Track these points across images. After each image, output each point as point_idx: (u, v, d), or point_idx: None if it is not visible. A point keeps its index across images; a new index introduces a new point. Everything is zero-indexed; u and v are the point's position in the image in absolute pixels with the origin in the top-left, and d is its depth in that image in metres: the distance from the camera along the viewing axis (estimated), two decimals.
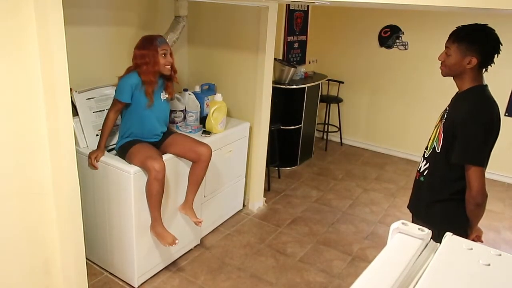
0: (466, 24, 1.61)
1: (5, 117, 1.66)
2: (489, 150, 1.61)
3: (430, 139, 1.77)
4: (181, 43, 3.26)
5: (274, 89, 3.34)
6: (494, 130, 1.59)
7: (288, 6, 4.34)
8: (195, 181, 2.51)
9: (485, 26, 1.57)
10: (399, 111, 4.85)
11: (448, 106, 1.73)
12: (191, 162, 2.49)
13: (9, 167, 1.72)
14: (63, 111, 1.75)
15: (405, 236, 0.82)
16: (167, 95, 2.46)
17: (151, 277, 2.54)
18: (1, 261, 1.81)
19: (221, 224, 3.18)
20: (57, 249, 1.98)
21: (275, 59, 3.54)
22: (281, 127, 3.98)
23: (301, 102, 4.26)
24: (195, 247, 2.87)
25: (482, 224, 3.69)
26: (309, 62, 4.99)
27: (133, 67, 2.32)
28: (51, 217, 1.92)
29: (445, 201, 1.71)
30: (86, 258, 2.09)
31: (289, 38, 4.53)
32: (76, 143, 2.31)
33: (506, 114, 4.23)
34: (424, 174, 1.76)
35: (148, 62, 2.24)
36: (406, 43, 4.61)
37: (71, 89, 1.95)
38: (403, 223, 0.84)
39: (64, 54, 1.68)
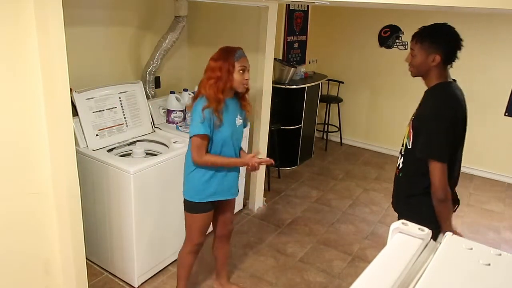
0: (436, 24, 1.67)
1: (5, 117, 1.66)
2: (453, 146, 1.62)
3: (404, 136, 1.82)
4: (181, 43, 3.26)
5: (274, 89, 3.34)
6: (458, 126, 1.61)
7: (288, 6, 4.34)
8: (225, 258, 2.42)
9: (444, 24, 1.62)
10: (399, 111, 4.85)
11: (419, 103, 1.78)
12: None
13: (9, 167, 1.72)
14: (63, 111, 1.75)
15: (405, 236, 0.82)
16: (241, 120, 2.10)
17: (151, 277, 2.54)
18: (1, 261, 1.81)
19: None
20: (57, 249, 1.98)
21: (275, 59, 3.54)
22: (281, 127, 3.98)
23: (301, 102, 4.27)
24: None
25: (482, 223, 3.67)
26: (309, 62, 5.00)
27: (205, 81, 1.95)
28: (51, 217, 1.92)
29: (419, 195, 1.72)
30: (86, 258, 2.09)
31: (289, 38, 4.53)
32: (76, 143, 2.31)
33: (506, 114, 4.23)
34: (402, 170, 1.80)
35: (221, 77, 1.92)
36: (406, 43, 4.61)
37: (71, 89, 1.95)
38: (403, 223, 0.84)
39: (64, 54, 1.68)
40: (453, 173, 1.70)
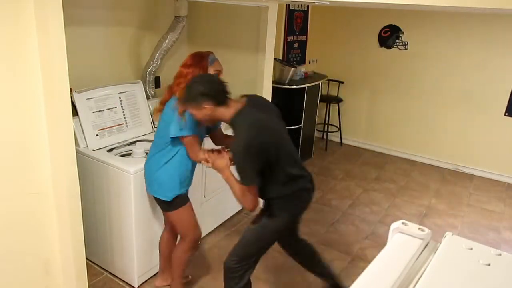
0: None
1: (5, 117, 1.66)
2: (272, 160, 1.80)
3: None
4: (181, 43, 3.26)
5: (274, 89, 3.34)
6: (268, 145, 1.78)
7: (288, 6, 4.34)
8: (171, 253, 2.28)
9: (194, 79, 1.84)
10: (399, 111, 4.85)
11: None
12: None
13: (9, 167, 1.72)
14: (63, 111, 1.75)
15: (405, 236, 0.82)
16: None
17: (151, 277, 2.53)
18: (1, 261, 1.81)
19: (221, 224, 3.18)
20: (57, 249, 1.98)
21: (275, 59, 3.54)
22: None
23: (301, 102, 4.26)
24: None
25: (482, 223, 3.67)
26: (309, 62, 5.00)
27: (178, 88, 1.97)
28: (51, 217, 1.92)
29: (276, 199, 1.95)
30: (86, 258, 2.09)
31: (289, 38, 4.53)
32: (76, 143, 2.31)
33: (506, 114, 4.24)
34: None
35: None
36: (406, 43, 4.61)
37: (71, 89, 1.95)
38: (403, 223, 0.84)
39: (64, 54, 1.68)
40: (288, 174, 1.91)
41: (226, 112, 1.82)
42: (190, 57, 2.01)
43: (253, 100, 1.94)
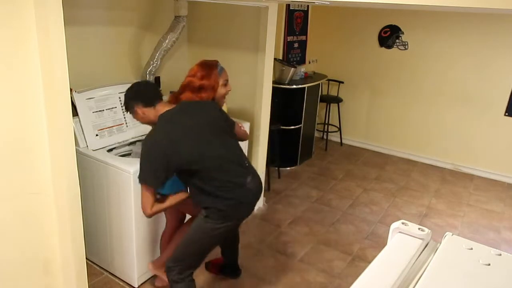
0: None
1: (5, 117, 1.66)
2: (163, 171, 1.79)
3: None
4: (181, 43, 3.26)
5: (274, 89, 3.34)
6: (157, 152, 1.78)
7: (288, 6, 4.34)
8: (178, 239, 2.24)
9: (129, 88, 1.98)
10: (399, 111, 4.85)
11: None
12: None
13: (9, 167, 1.72)
14: (63, 111, 1.75)
15: (405, 236, 0.82)
16: None
17: (151, 277, 2.54)
18: (1, 261, 1.81)
19: None
20: (57, 249, 1.98)
21: (275, 59, 3.54)
22: (281, 127, 3.98)
23: (301, 102, 4.26)
24: None
25: (482, 223, 3.67)
26: (309, 62, 5.00)
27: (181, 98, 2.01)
28: (51, 217, 1.92)
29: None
30: (86, 258, 2.09)
31: (289, 38, 4.53)
32: (76, 143, 2.31)
33: (506, 114, 4.24)
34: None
35: (209, 96, 2.00)
36: (406, 43, 4.61)
37: (71, 89, 1.95)
38: (403, 223, 0.84)
39: (64, 54, 1.68)
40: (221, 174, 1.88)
41: (155, 113, 1.89)
42: (198, 67, 2.03)
43: (184, 106, 1.93)
